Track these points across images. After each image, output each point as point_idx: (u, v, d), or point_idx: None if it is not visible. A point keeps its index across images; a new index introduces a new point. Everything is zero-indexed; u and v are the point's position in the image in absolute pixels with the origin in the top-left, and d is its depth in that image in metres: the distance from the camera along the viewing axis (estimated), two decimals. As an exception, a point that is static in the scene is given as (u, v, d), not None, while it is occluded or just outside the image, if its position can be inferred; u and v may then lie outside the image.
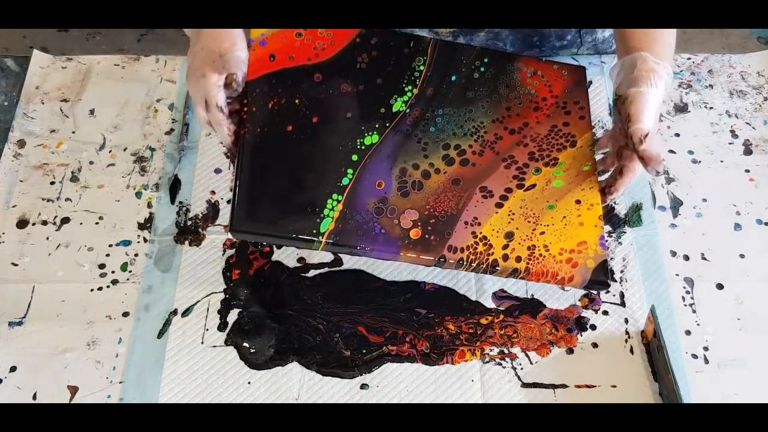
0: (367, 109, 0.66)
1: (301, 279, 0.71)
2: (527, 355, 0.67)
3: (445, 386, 0.66)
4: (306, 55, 0.66)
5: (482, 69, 0.70)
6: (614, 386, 0.65)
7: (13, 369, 0.66)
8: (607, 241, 0.73)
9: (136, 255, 0.73)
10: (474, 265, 0.62)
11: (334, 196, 0.62)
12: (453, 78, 0.69)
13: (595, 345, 0.68)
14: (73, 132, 0.81)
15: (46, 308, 0.70)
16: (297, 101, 0.65)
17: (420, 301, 0.70)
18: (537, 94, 0.70)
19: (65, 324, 0.69)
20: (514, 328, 0.69)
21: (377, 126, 0.65)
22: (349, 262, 0.72)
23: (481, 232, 0.63)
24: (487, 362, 0.67)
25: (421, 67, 0.68)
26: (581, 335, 0.68)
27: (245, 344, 0.68)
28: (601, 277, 0.64)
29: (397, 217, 0.63)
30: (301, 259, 0.72)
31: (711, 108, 0.83)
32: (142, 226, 0.75)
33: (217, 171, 0.78)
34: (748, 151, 0.80)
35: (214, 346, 0.68)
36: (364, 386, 0.66)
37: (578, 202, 0.66)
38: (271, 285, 0.71)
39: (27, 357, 0.67)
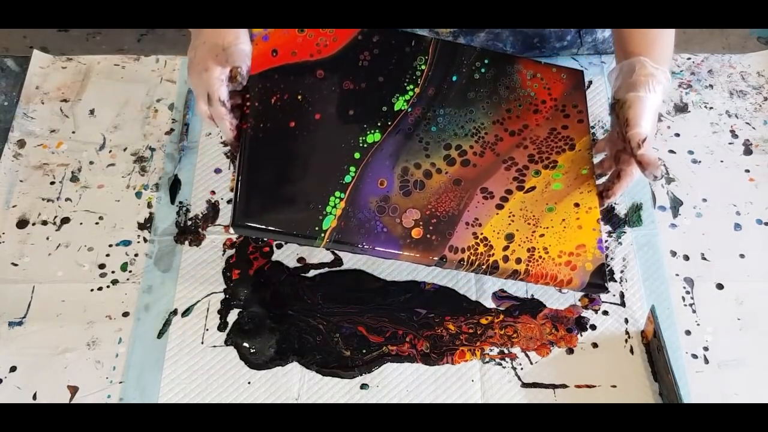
0: (369, 107, 0.66)
1: (301, 279, 0.71)
2: (527, 355, 0.67)
3: (445, 386, 0.66)
4: (308, 51, 0.66)
5: (482, 70, 0.70)
6: (614, 386, 0.65)
7: (13, 369, 0.66)
8: (607, 241, 0.73)
9: (136, 255, 0.73)
10: (474, 265, 0.62)
11: (337, 193, 0.62)
12: (454, 78, 0.69)
13: (595, 345, 0.68)
14: (73, 132, 0.81)
15: (46, 308, 0.70)
16: (299, 97, 0.64)
17: (420, 301, 0.70)
18: (536, 97, 0.70)
19: (65, 324, 0.69)
20: (514, 328, 0.69)
21: (379, 124, 0.65)
22: (349, 262, 0.72)
23: (482, 233, 0.64)
24: (487, 362, 0.67)
25: (423, 67, 0.68)
26: (581, 335, 0.68)
27: (245, 344, 0.68)
28: (599, 280, 0.64)
29: (399, 216, 0.63)
30: (301, 259, 0.72)
31: (711, 108, 0.83)
32: (142, 226, 0.75)
33: (217, 171, 0.78)
34: (748, 151, 0.80)
35: (214, 346, 0.68)
36: (364, 386, 0.66)
37: (577, 205, 0.66)
38: (271, 285, 0.71)
39: (27, 357, 0.67)
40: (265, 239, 0.73)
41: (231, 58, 0.60)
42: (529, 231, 0.64)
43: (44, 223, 0.75)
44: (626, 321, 0.69)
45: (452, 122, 0.67)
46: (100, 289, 0.71)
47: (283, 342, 0.68)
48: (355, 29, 0.67)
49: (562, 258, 0.64)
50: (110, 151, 0.80)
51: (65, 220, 0.75)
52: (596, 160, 0.70)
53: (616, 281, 0.71)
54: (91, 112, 0.83)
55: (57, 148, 0.80)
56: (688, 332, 0.68)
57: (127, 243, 0.73)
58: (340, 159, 0.63)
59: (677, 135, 0.81)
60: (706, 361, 0.67)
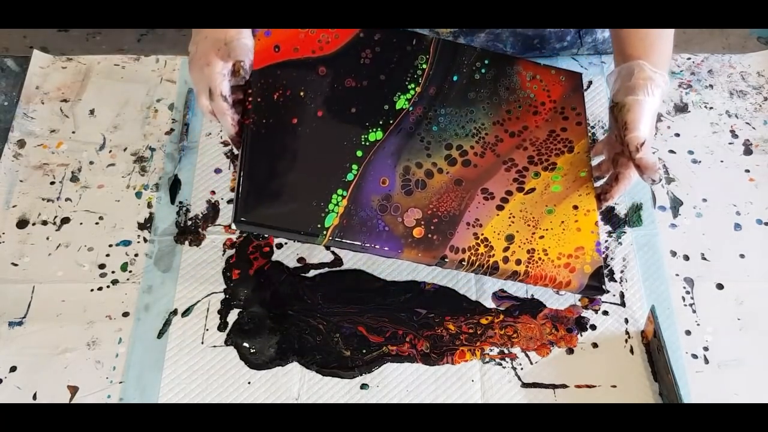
0: (371, 105, 0.66)
1: (301, 279, 0.71)
2: (527, 355, 0.67)
3: (445, 386, 0.66)
4: (310, 47, 0.66)
5: (483, 70, 0.70)
6: (614, 386, 0.65)
7: (13, 369, 0.66)
8: (607, 241, 0.73)
9: (136, 255, 0.73)
10: (475, 266, 0.63)
11: (339, 191, 0.62)
12: (455, 78, 0.69)
13: (595, 345, 0.68)
14: (73, 132, 0.81)
15: (46, 308, 0.69)
16: (302, 94, 0.64)
17: (420, 301, 0.70)
18: (536, 99, 0.70)
19: (65, 324, 0.69)
20: (514, 328, 0.69)
21: (381, 123, 0.65)
22: (349, 262, 0.72)
23: (482, 234, 0.64)
24: (487, 362, 0.67)
25: (424, 66, 0.68)
26: (581, 335, 0.68)
27: (245, 344, 0.68)
28: (597, 282, 0.64)
29: (400, 215, 0.63)
30: (301, 259, 0.72)
31: (711, 108, 0.83)
32: (142, 226, 0.75)
33: (217, 171, 0.78)
34: (748, 151, 0.80)
35: (214, 346, 0.68)
36: (364, 386, 0.66)
37: (576, 207, 0.66)
38: (271, 285, 0.71)
39: (27, 357, 0.67)
40: (266, 236, 0.73)
41: (233, 53, 0.60)
42: (528, 232, 0.64)
43: (44, 223, 0.75)
44: (626, 321, 0.69)
45: (453, 122, 0.67)
46: (100, 289, 0.71)
47: (283, 342, 0.68)
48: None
49: (561, 260, 0.64)
50: (110, 151, 0.80)
51: (65, 220, 0.75)
52: (594, 162, 0.70)
53: (616, 281, 0.71)
54: (91, 112, 0.83)
55: (57, 148, 0.80)
56: (688, 332, 0.68)
57: (127, 243, 0.73)
58: (343, 156, 0.63)
59: (677, 135, 0.81)
60: (706, 361, 0.67)
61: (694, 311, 0.69)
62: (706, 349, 0.68)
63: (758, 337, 0.68)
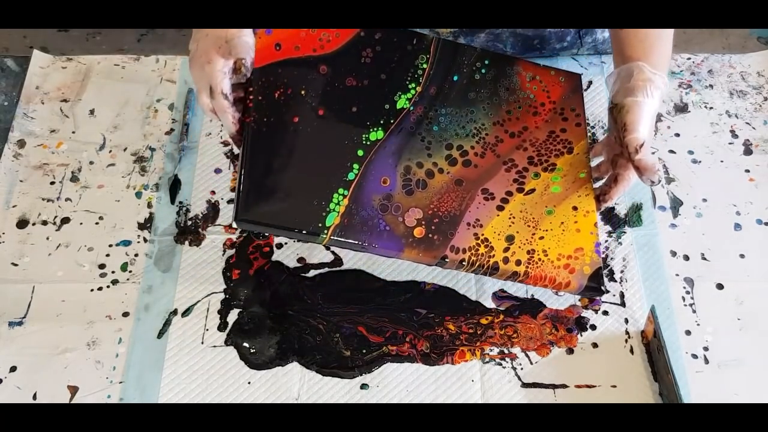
0: (372, 104, 0.66)
1: (301, 279, 0.71)
2: (527, 355, 0.67)
3: (445, 386, 0.66)
4: (311, 46, 0.66)
5: (483, 71, 0.70)
6: (614, 386, 0.65)
7: (13, 369, 0.66)
8: (607, 241, 0.73)
9: (136, 255, 0.73)
10: (475, 266, 0.63)
11: (340, 190, 0.62)
12: (455, 78, 0.69)
13: (595, 345, 0.68)
14: (73, 132, 0.81)
15: (46, 308, 0.69)
16: (303, 92, 0.64)
17: (420, 301, 0.70)
18: (536, 99, 0.70)
19: (65, 324, 0.69)
20: (514, 328, 0.69)
21: (382, 122, 0.65)
22: (349, 262, 0.72)
23: (483, 234, 0.64)
24: (487, 362, 0.67)
25: (424, 65, 0.68)
26: (581, 335, 0.68)
27: (245, 344, 0.68)
28: (596, 283, 0.64)
29: (401, 215, 0.63)
30: (301, 259, 0.72)
31: (711, 108, 0.83)
32: (142, 226, 0.75)
33: (217, 171, 0.78)
34: (748, 151, 0.80)
35: (214, 346, 0.68)
36: (364, 386, 0.66)
37: (575, 208, 0.66)
38: (271, 285, 0.71)
39: (27, 357, 0.67)
40: (266, 235, 0.73)
41: (234, 50, 0.60)
42: (528, 233, 0.64)
43: (44, 223, 0.75)
44: (626, 321, 0.69)
45: (453, 122, 0.67)
46: (100, 289, 0.71)
47: (283, 342, 0.68)
48: None
49: (561, 261, 0.64)
50: (110, 151, 0.80)
51: (65, 220, 0.75)
52: (594, 163, 0.70)
53: (616, 281, 0.71)
54: (91, 112, 0.83)
55: (57, 148, 0.80)
56: (688, 332, 0.68)
57: (127, 243, 0.73)
58: (344, 156, 0.63)
59: (677, 135, 0.81)
60: (706, 361, 0.67)
61: (694, 311, 0.69)
62: (706, 349, 0.68)
63: (758, 337, 0.68)
